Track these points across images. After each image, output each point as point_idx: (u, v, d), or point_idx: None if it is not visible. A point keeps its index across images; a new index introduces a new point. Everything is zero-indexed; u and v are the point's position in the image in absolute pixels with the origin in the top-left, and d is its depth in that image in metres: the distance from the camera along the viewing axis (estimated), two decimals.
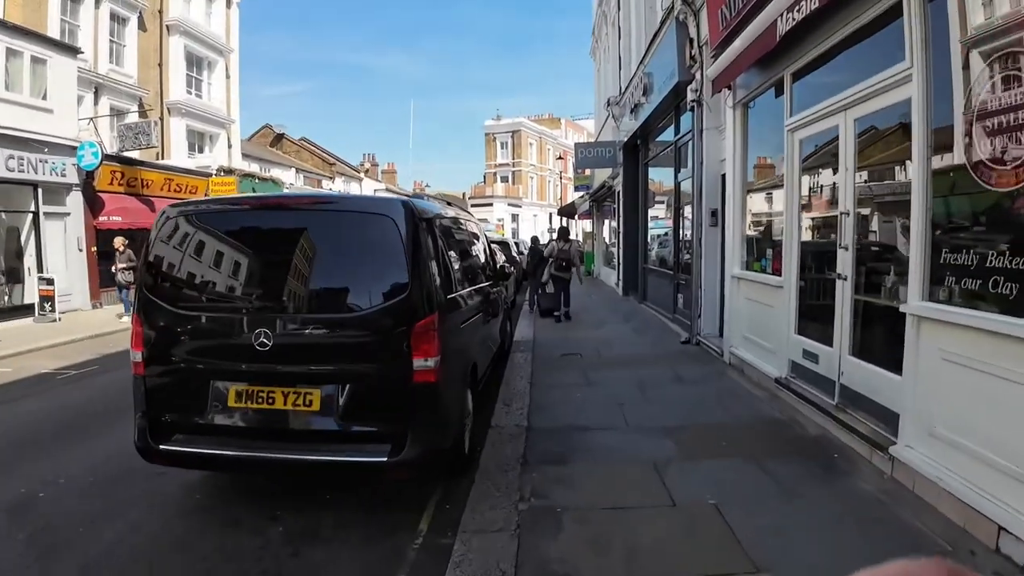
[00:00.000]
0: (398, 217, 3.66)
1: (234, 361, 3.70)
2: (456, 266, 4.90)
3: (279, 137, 38.80)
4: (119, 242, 13.24)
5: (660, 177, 12.66)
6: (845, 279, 4.68)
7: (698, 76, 8.31)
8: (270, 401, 3.65)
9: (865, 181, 4.64)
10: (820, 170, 5.40)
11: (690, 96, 8.44)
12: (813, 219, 5.56)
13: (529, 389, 6.22)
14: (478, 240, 6.71)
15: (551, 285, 11.45)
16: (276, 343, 3.57)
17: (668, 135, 10.89)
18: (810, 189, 5.56)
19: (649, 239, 13.13)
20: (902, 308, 3.75)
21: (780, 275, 5.86)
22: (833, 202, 5.01)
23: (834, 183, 5.06)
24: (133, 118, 18.81)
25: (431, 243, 4.01)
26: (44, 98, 14.77)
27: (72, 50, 15.70)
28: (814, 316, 5.43)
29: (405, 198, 4.04)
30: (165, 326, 3.84)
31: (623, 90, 14.36)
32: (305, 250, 3.75)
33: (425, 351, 3.52)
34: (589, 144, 15.92)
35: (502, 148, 58.76)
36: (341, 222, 3.80)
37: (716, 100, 8.15)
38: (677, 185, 10.03)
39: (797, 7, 4.62)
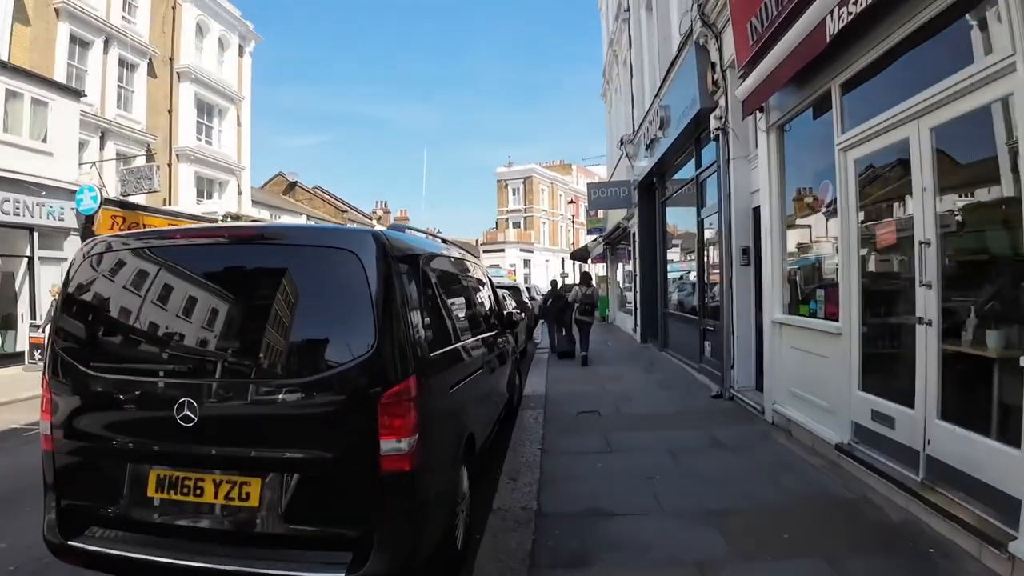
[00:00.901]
0: (364, 253, 2.83)
1: (153, 439, 2.85)
2: (450, 315, 4.05)
3: (292, 185, 38.82)
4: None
5: (678, 218, 11.88)
6: (929, 323, 3.77)
7: (722, 102, 7.60)
8: (197, 492, 2.78)
9: (949, 202, 3.79)
10: (884, 193, 4.56)
11: (713, 124, 7.72)
12: (877, 252, 4.68)
13: (540, 457, 5.27)
14: (482, 285, 5.91)
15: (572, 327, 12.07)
16: (203, 416, 2.72)
17: (688, 171, 10.15)
18: (869, 216, 4.71)
19: (669, 282, 12.25)
20: None
21: (836, 319, 4.95)
22: (903, 230, 4.15)
23: (903, 208, 4.21)
24: (140, 162, 18.53)
25: (412, 287, 3.18)
26: (44, 140, 14.44)
27: (75, 93, 15.46)
28: (885, 369, 4.51)
29: (376, 229, 3.22)
30: (77, 391, 3.02)
31: (636, 128, 13.76)
32: (244, 296, 2.93)
33: (397, 428, 2.65)
34: (602, 184, 15.28)
35: (514, 194, 58.75)
36: (290, 259, 2.95)
37: (744, 127, 7.42)
38: (700, 223, 9.22)
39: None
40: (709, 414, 6.79)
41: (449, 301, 4.13)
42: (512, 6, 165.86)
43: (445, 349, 3.57)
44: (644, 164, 12.52)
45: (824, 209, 5.40)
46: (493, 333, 5.79)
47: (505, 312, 7.03)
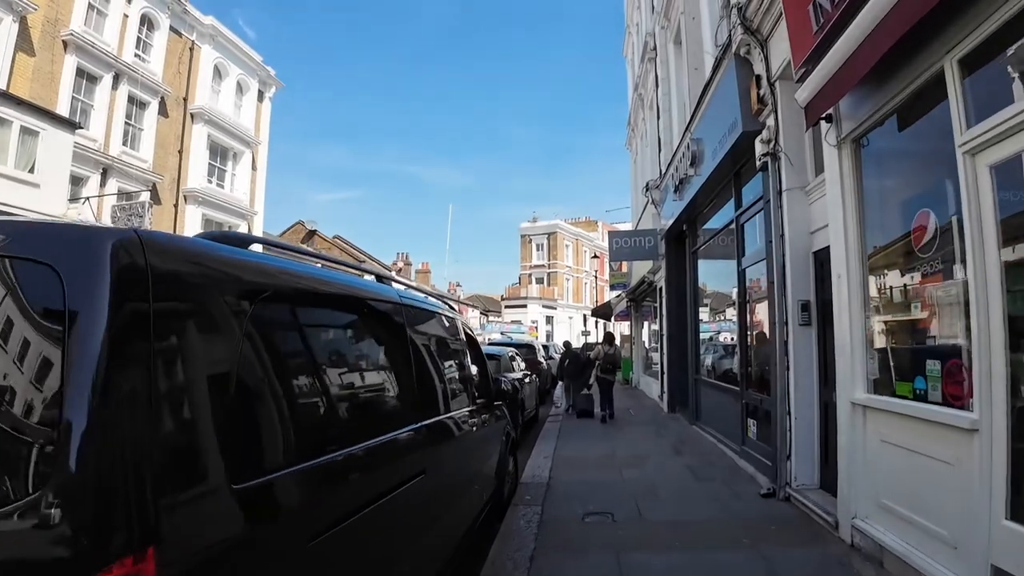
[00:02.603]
0: (71, 266, 1.40)
1: None
2: (330, 397, 2.41)
3: (311, 233, 38.28)
4: None
5: (712, 271, 10.28)
6: None
7: (770, 122, 6.14)
8: None
9: None
10: None
11: (760, 150, 6.24)
12: None
13: None
14: (453, 346, 4.40)
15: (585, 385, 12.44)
16: None
17: (724, 214, 8.62)
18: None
19: (701, 343, 10.54)
20: None
21: (964, 406, 3.29)
22: None
23: None
24: (144, 198, 17.71)
25: (216, 345, 1.73)
26: (31, 171, 13.63)
27: (69, 124, 14.75)
28: None
29: (128, 228, 1.70)
30: None
31: (663, 172, 12.37)
32: None
33: None
34: (625, 234, 13.79)
35: (537, 250, 57.78)
36: None
37: (799, 150, 5.94)
38: (741, 274, 7.62)
39: None
40: (760, 524, 5.02)
41: (336, 373, 2.49)
42: (541, 75, 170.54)
43: (303, 467, 2.01)
44: (672, 210, 11.04)
45: (922, 245, 3.81)
46: (467, 410, 4.26)
47: (493, 381, 5.47)
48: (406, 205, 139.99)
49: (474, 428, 4.37)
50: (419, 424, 3.11)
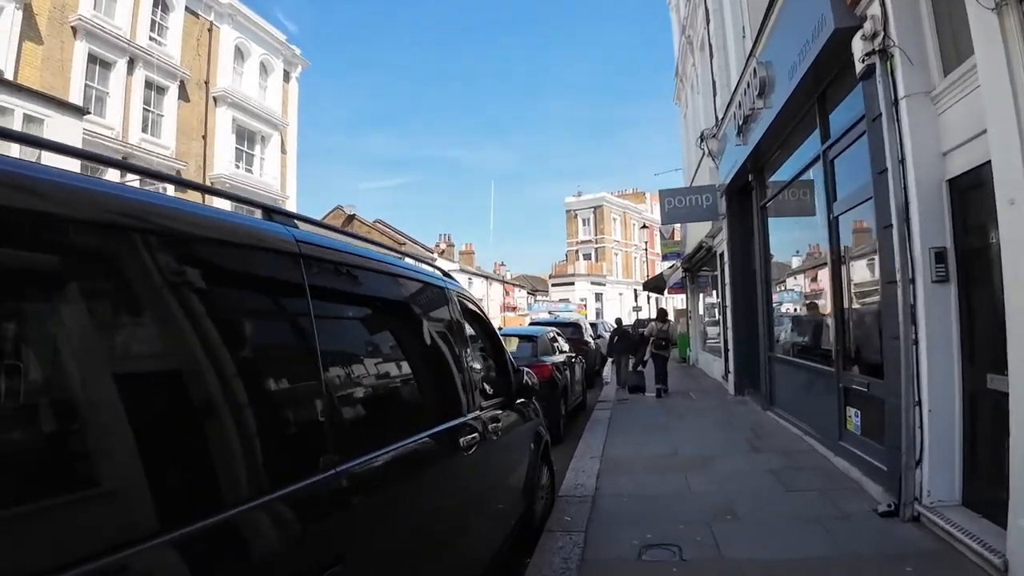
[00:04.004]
0: None
1: None
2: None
3: (350, 218, 37.61)
4: None
5: (785, 227, 8.62)
6: None
7: (874, 10, 4.53)
8: None
9: None
10: None
11: (861, 51, 4.65)
12: None
13: None
14: (439, 328, 3.05)
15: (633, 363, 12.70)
16: None
17: (805, 152, 6.97)
18: None
19: (776, 314, 8.90)
20: None
21: None
22: None
23: None
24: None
25: None
26: (37, 161, 12.95)
27: (77, 111, 14.00)
28: None
29: None
30: None
31: (721, 118, 10.66)
32: None
33: None
34: (679, 191, 12.03)
35: (584, 225, 55.93)
36: None
37: (918, 42, 4.34)
38: (832, 223, 6.00)
39: None
40: (891, 565, 3.53)
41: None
42: (585, 47, 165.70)
43: None
44: (734, 159, 9.36)
45: None
46: (468, 419, 2.97)
47: (515, 373, 4.12)
48: (450, 189, 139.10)
49: (483, 440, 3.04)
50: (335, 471, 1.79)
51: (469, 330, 3.60)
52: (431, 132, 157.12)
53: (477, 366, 3.70)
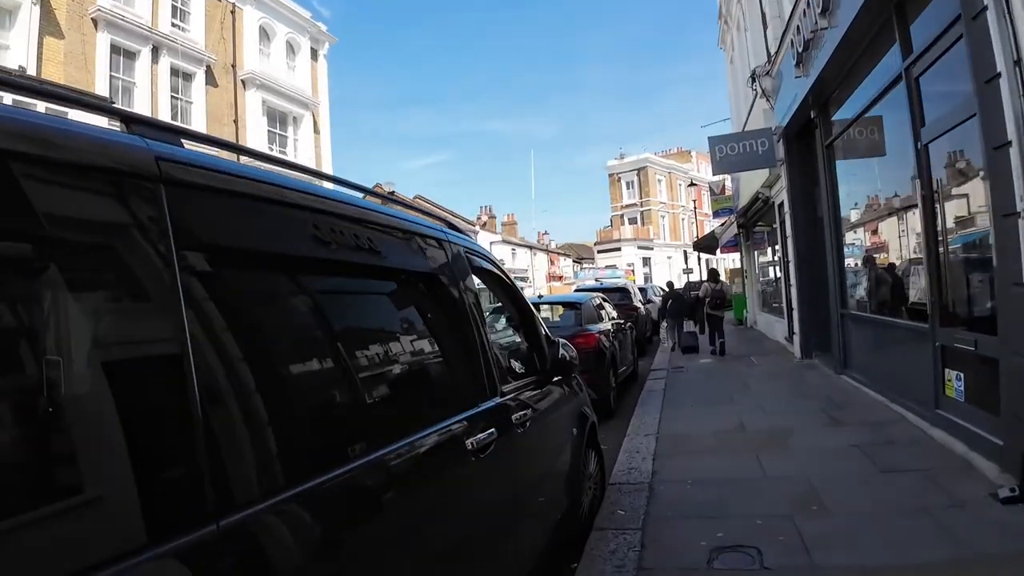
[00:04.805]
0: None
1: None
2: None
3: (390, 195, 37.40)
4: None
5: (859, 169, 7.63)
6: None
7: None
8: None
9: None
10: None
11: None
12: None
13: None
14: (444, 294, 2.43)
15: (688, 324, 13.45)
16: None
17: (880, 75, 6.00)
18: None
19: (849, 267, 7.94)
20: None
21: None
22: None
23: None
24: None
25: None
26: None
27: (96, 108, 13.81)
28: None
29: None
30: None
31: (775, 52, 9.59)
32: None
33: None
34: (731, 137, 10.90)
35: (628, 188, 54.37)
36: None
37: None
38: (921, 153, 5.06)
39: None
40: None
41: None
42: (619, 11, 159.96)
43: None
44: (793, 94, 8.34)
45: None
46: (490, 406, 2.41)
47: (548, 348, 3.46)
48: (490, 162, 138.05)
49: (505, 433, 2.42)
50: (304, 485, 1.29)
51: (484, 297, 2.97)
52: (469, 107, 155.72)
53: (498, 342, 3.08)
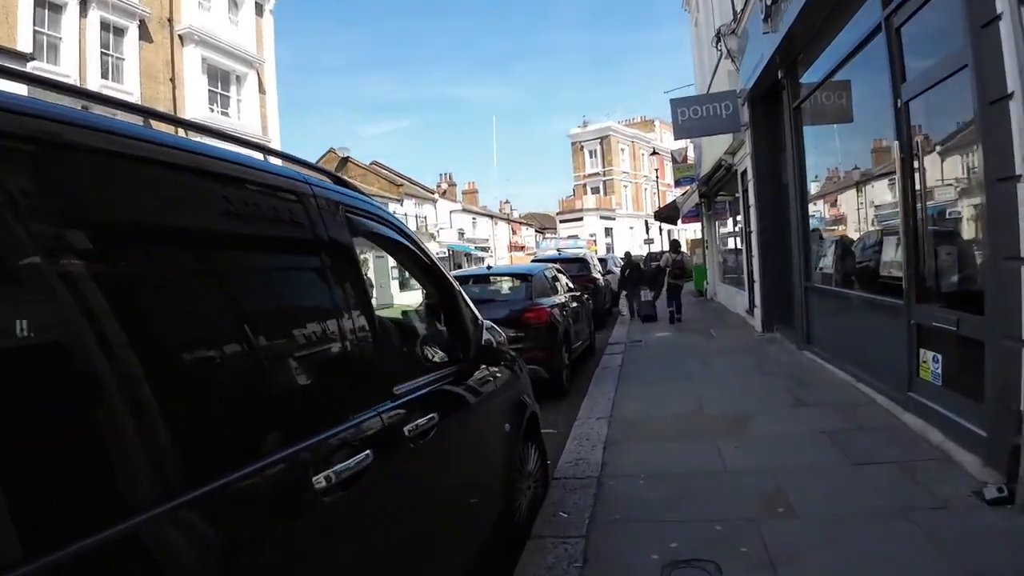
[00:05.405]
0: None
1: None
2: None
3: (344, 160, 36.02)
4: None
5: (828, 135, 7.20)
6: None
7: None
8: None
9: None
10: None
11: None
12: None
13: None
14: (314, 263, 1.81)
15: (646, 293, 13.44)
16: None
17: (855, 29, 5.50)
18: None
19: (815, 238, 7.54)
20: None
21: None
22: None
23: None
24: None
25: None
26: None
27: (19, 57, 12.53)
28: None
29: None
30: None
31: (741, 8, 9.03)
32: None
33: None
34: (694, 100, 10.32)
35: (591, 157, 53.83)
36: None
37: None
38: (902, 112, 4.57)
39: None
40: None
41: None
42: None
43: None
44: (760, 53, 7.80)
45: None
46: (382, 415, 1.84)
47: (475, 331, 2.87)
48: (452, 130, 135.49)
49: (388, 451, 1.82)
50: None
51: (382, 265, 2.36)
52: (431, 73, 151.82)
53: (390, 327, 2.48)
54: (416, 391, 2.14)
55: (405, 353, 2.57)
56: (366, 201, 2.28)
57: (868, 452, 4.05)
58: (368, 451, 1.68)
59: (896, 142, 4.57)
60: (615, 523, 3.39)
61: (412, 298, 13.81)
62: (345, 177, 2.55)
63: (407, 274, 2.91)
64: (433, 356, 2.68)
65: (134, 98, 17.00)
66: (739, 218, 12.13)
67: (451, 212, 41.50)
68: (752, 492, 3.61)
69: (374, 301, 2.13)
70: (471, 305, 2.97)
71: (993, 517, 3.01)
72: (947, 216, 4.34)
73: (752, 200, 9.48)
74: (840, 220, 6.90)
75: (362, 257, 2.27)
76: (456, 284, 2.78)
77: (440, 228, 38.87)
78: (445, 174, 45.99)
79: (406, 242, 2.50)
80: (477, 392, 2.80)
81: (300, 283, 1.77)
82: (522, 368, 3.84)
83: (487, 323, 2.92)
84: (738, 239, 12.89)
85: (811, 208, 7.59)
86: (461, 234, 41.92)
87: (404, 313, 3.39)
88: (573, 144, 54.37)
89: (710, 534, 3.13)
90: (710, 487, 3.78)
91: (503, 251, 47.44)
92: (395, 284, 22.61)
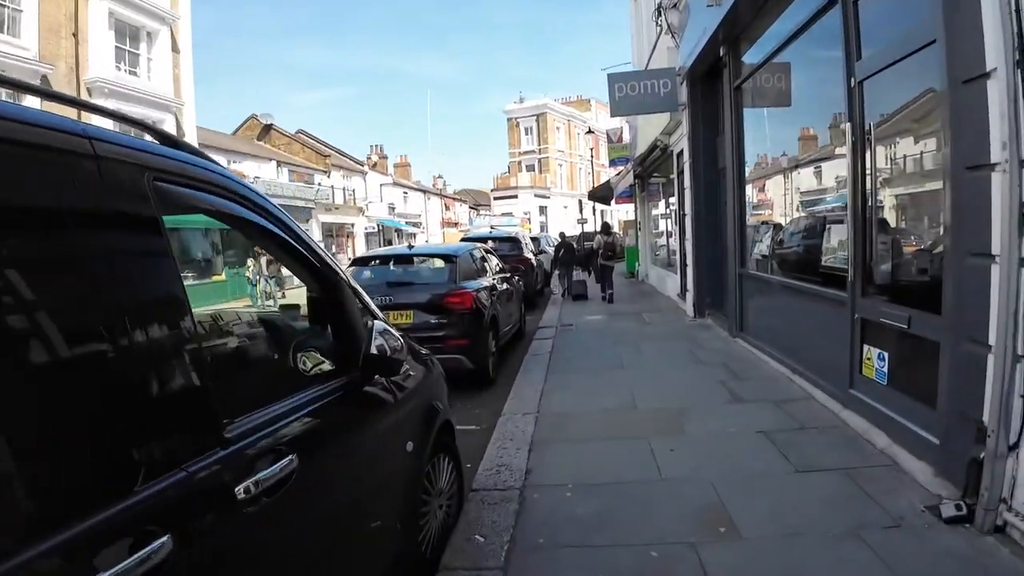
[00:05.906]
0: None
1: None
2: None
3: (267, 128, 33.98)
4: None
5: (769, 118, 6.94)
6: None
7: None
8: None
9: None
10: None
11: None
12: None
13: None
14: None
15: (578, 273, 14.08)
16: None
17: (799, 8, 5.16)
18: None
19: (752, 224, 7.31)
20: None
21: None
22: None
23: None
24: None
25: None
26: None
27: None
28: None
29: None
30: None
31: None
32: None
33: None
34: (631, 75, 9.92)
35: (526, 134, 53.23)
36: None
37: None
38: (855, 91, 4.25)
39: None
40: None
41: None
42: None
43: None
44: (702, 28, 7.43)
45: None
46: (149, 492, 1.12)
47: (360, 332, 2.27)
48: (386, 102, 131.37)
49: (231, 511, 1.28)
50: None
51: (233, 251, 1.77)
52: (366, 42, 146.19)
53: (230, 339, 1.89)
54: (265, 428, 1.56)
55: (255, 373, 1.98)
56: (204, 168, 1.64)
57: (811, 457, 3.76)
58: (165, 537, 1.11)
59: (848, 124, 4.25)
60: (537, 549, 2.93)
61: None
62: (190, 144, 1.91)
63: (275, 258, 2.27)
64: (306, 370, 2.10)
65: (31, 53, 15.21)
66: (672, 200, 11.93)
67: (381, 186, 40.07)
68: (690, 506, 3.23)
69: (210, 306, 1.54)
70: (368, 303, 2.39)
71: (952, 538, 2.73)
72: (900, 205, 4.07)
73: (688, 182, 9.22)
74: (778, 205, 6.67)
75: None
76: (344, 275, 2.19)
77: (369, 202, 37.44)
78: (376, 146, 44.38)
79: (266, 222, 1.86)
80: (368, 409, 2.24)
81: (49, 284, 1.13)
82: (433, 361, 3.30)
83: (381, 327, 2.31)
84: (670, 221, 12.72)
85: (748, 192, 7.34)
86: (392, 209, 40.59)
87: (272, 315, 2.76)
88: (509, 120, 53.58)
89: (645, 563, 2.73)
90: (644, 500, 3.38)
91: (436, 227, 46.39)
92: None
